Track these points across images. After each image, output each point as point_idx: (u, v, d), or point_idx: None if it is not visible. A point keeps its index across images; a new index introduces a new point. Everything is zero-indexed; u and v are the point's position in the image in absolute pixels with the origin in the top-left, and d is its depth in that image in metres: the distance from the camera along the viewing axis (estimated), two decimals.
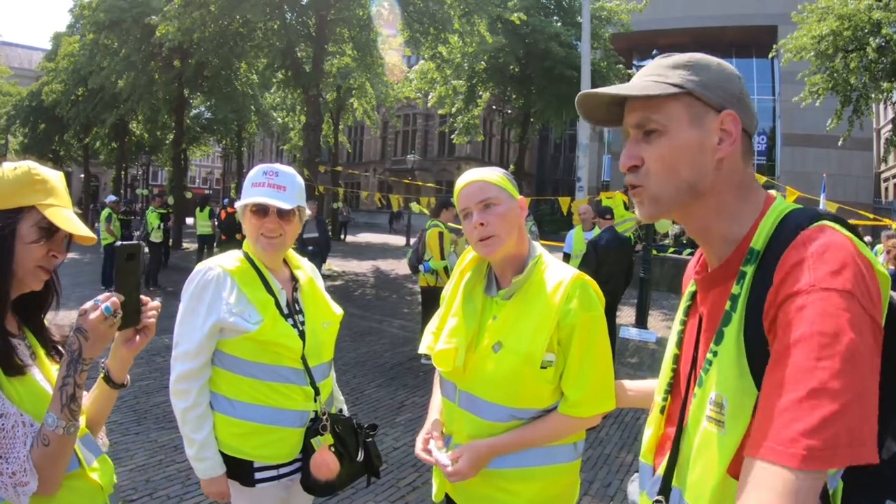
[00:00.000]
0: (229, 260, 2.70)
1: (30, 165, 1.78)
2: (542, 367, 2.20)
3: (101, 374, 1.94)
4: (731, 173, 1.40)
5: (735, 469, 1.20)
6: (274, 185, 2.65)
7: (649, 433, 1.61)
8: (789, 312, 1.14)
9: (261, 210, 2.65)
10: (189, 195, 29.18)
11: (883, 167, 50.22)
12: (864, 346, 1.06)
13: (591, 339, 2.22)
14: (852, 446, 1.00)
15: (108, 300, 1.70)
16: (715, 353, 1.34)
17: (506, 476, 2.29)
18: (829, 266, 1.14)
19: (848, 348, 1.04)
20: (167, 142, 35.83)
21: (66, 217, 1.78)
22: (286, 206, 2.63)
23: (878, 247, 12.59)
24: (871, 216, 11.13)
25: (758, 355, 1.23)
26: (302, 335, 2.68)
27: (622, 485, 5.67)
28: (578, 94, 1.51)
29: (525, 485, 2.30)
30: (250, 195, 2.64)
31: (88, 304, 1.70)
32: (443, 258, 9.19)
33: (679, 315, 1.66)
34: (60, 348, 1.93)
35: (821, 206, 13.33)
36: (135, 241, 1.90)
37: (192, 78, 26.21)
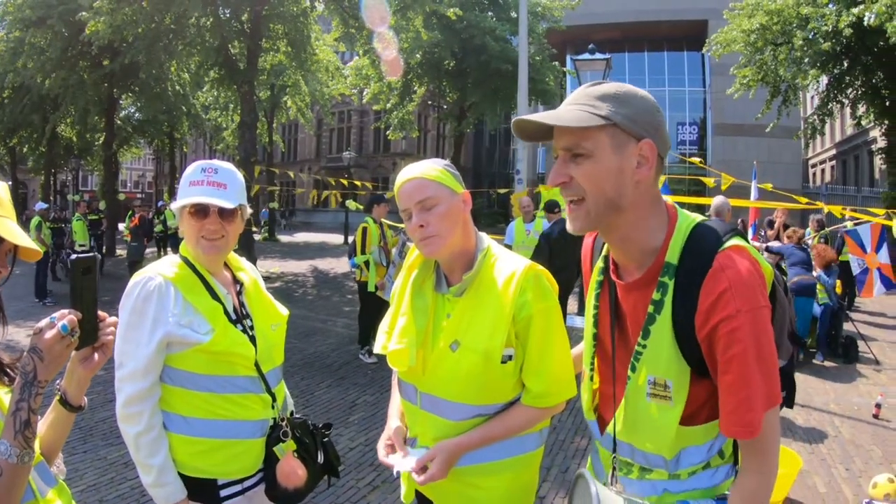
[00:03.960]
0: (168, 267, 2.50)
1: None
2: (502, 363, 2.18)
3: (57, 397, 1.81)
4: (647, 190, 1.69)
5: (683, 421, 1.71)
6: (214, 182, 2.47)
7: (585, 397, 2.05)
8: (727, 332, 1.56)
9: (201, 210, 2.45)
10: (122, 197, 28.44)
11: (811, 154, 51.75)
12: (769, 336, 1.59)
13: (548, 328, 2.20)
14: (772, 403, 1.59)
15: (65, 318, 1.59)
16: (644, 346, 1.73)
17: (475, 471, 2.27)
18: (745, 291, 1.56)
19: (767, 347, 1.57)
20: (97, 144, 34.78)
21: (10, 228, 1.64)
22: (228, 204, 2.46)
23: (808, 229, 12.93)
24: (804, 200, 11.43)
25: (688, 347, 1.65)
26: (253, 340, 2.54)
27: (579, 468, 5.67)
28: (514, 119, 1.74)
29: (495, 479, 2.29)
30: (188, 195, 2.45)
31: (43, 322, 1.58)
32: (364, 253, 9.47)
33: (591, 300, 2.01)
34: (10, 371, 1.78)
35: (753, 192, 13.67)
36: (91, 254, 1.77)
37: (123, 77, 25.54)
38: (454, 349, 2.21)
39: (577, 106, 1.66)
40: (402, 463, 2.25)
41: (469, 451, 2.22)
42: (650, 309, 1.70)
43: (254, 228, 21.31)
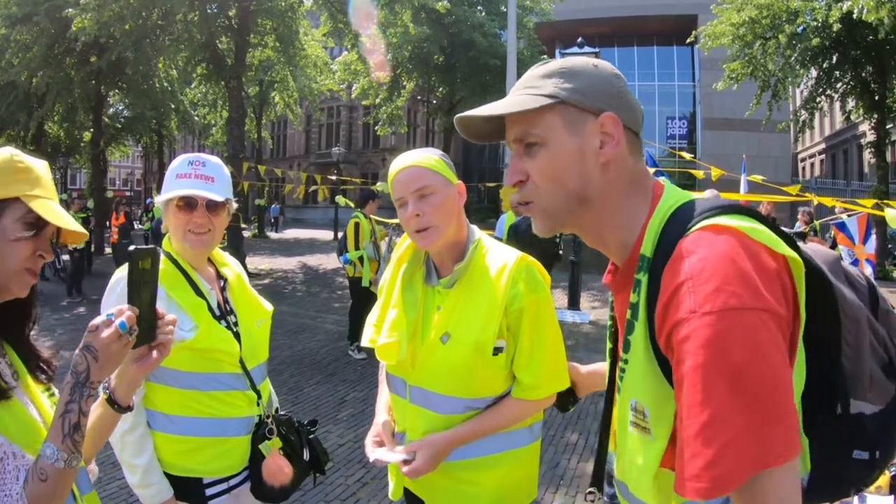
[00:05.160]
0: None
1: (11, 152, 1.56)
2: (493, 355, 2.15)
3: (104, 396, 1.69)
4: (620, 174, 1.39)
5: (667, 462, 1.26)
6: (202, 175, 2.43)
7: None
8: (677, 342, 1.14)
9: (189, 203, 2.41)
10: (110, 195, 28.30)
11: (800, 148, 52.03)
12: (757, 353, 1.07)
13: (539, 320, 2.18)
14: (756, 458, 1.03)
15: (123, 315, 1.50)
16: (626, 361, 1.38)
17: (465, 467, 2.24)
18: (708, 285, 1.12)
19: (734, 370, 1.06)
20: (84, 142, 34.62)
21: (55, 210, 1.56)
22: (217, 197, 2.41)
23: (797, 223, 12.97)
24: (795, 190, 11.44)
25: (665, 363, 1.24)
26: (237, 336, 2.50)
27: (570, 464, 5.78)
28: (456, 117, 1.52)
29: (486, 474, 2.26)
30: (175, 187, 2.41)
31: (99, 319, 1.49)
32: (357, 249, 9.45)
33: (609, 311, 1.66)
34: (47, 367, 1.71)
35: (742, 185, 13.69)
36: (151, 246, 1.66)
37: (110, 74, 25.39)
38: (444, 341, 2.19)
39: (521, 90, 1.44)
40: (388, 455, 2.21)
41: (458, 445, 2.20)
42: (628, 314, 1.36)
43: (243, 225, 21.25)
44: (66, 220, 1.56)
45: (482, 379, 2.20)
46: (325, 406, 7.47)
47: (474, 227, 2.38)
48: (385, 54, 25.84)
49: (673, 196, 1.39)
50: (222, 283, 2.64)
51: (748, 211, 1.26)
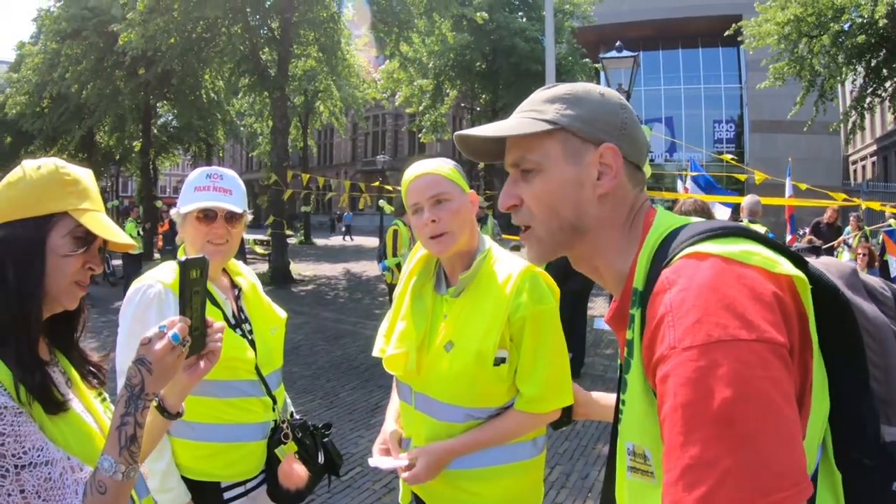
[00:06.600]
0: (167, 273, 2.49)
1: (56, 163, 1.55)
2: (494, 365, 2.15)
3: (154, 403, 1.66)
4: (617, 206, 1.35)
5: None
6: (220, 188, 2.49)
7: None
8: (659, 381, 1.06)
9: (209, 215, 2.46)
10: (159, 204, 28.84)
11: (851, 150, 50.86)
12: (746, 388, 0.96)
13: (543, 332, 2.18)
14: (787, 497, 0.92)
15: (176, 326, 1.49)
16: (623, 402, 1.27)
17: (467, 476, 2.25)
18: (689, 317, 1.03)
19: (719, 408, 0.95)
20: (135, 152, 35.37)
21: (103, 223, 1.56)
22: (237, 209, 2.49)
23: (847, 227, 12.69)
24: (842, 196, 11.17)
25: None
26: (252, 344, 2.56)
27: (599, 476, 5.65)
28: (455, 134, 1.48)
29: (487, 485, 2.26)
30: (195, 200, 2.46)
31: (152, 332, 1.49)
32: (395, 255, 9.54)
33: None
34: (97, 371, 1.72)
35: (787, 190, 13.40)
36: (201, 255, 1.63)
37: (158, 86, 25.94)
38: (448, 349, 2.20)
39: (523, 113, 1.39)
40: (386, 462, 2.26)
41: (458, 455, 2.21)
42: (625, 352, 1.26)
43: (288, 232, 21.48)
44: (115, 233, 1.57)
45: (484, 388, 2.20)
46: (359, 411, 7.54)
47: (485, 237, 2.40)
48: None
49: (663, 224, 1.30)
50: (236, 293, 2.70)
51: (741, 231, 1.17)
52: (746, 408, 0.94)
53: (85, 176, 1.60)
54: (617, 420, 1.36)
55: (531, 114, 1.37)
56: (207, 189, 2.49)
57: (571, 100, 1.35)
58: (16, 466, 1.33)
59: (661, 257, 1.21)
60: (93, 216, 1.54)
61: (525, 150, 1.36)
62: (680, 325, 1.03)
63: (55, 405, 1.48)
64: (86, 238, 1.53)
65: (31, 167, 1.53)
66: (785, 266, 1.08)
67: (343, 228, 46.03)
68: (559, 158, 1.33)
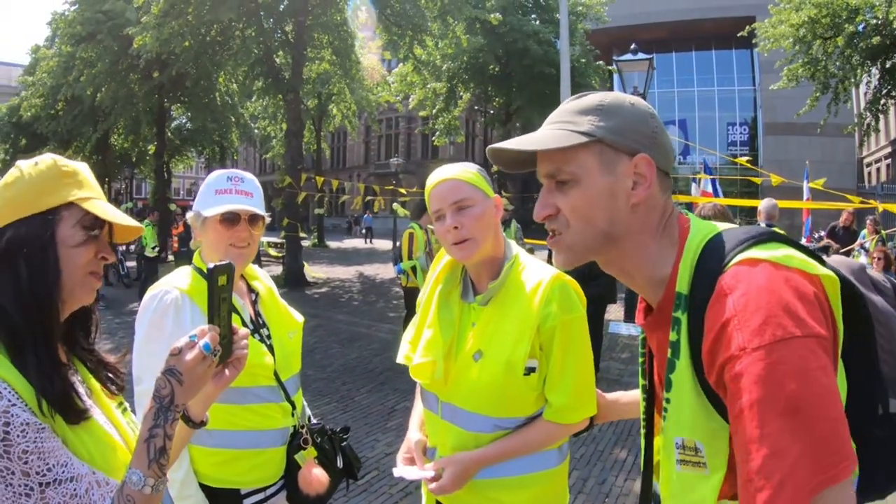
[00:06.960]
0: (183, 279, 2.48)
1: (53, 157, 1.53)
2: (525, 374, 2.13)
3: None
4: (649, 213, 1.40)
5: (724, 494, 1.28)
6: (241, 191, 2.48)
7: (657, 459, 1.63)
8: (730, 379, 1.15)
9: (232, 218, 2.43)
10: (173, 207, 28.98)
11: (865, 152, 50.56)
12: (807, 380, 1.08)
13: (572, 341, 2.15)
14: (814, 482, 1.04)
15: (206, 336, 1.46)
16: (668, 401, 1.36)
17: (494, 486, 2.22)
18: (753, 321, 1.13)
19: (788, 401, 1.07)
20: (149, 154, 35.57)
21: (107, 209, 1.53)
22: (260, 211, 2.47)
23: (863, 231, 12.61)
24: (858, 199, 11.12)
25: (714, 397, 1.25)
26: (271, 349, 2.54)
27: (617, 481, 5.66)
28: (488, 148, 1.50)
29: (514, 494, 2.23)
30: (217, 203, 2.43)
31: (182, 342, 1.45)
32: (410, 258, 9.58)
33: (640, 347, 1.70)
34: (115, 375, 1.69)
35: (805, 193, 13.35)
36: (227, 261, 1.59)
37: (172, 89, 26.06)
38: (477, 359, 2.17)
39: (555, 125, 1.43)
40: (411, 472, 2.24)
41: (486, 465, 2.18)
42: (669, 353, 1.35)
43: (302, 234, 21.52)
44: (120, 217, 1.55)
45: (513, 398, 2.18)
46: (374, 415, 7.51)
47: (512, 243, 2.37)
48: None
49: (701, 230, 1.39)
50: (254, 297, 2.68)
51: (777, 236, 1.30)
52: (809, 397, 1.07)
53: (81, 167, 1.59)
54: (651, 415, 1.57)
55: (566, 125, 1.40)
56: (229, 192, 2.47)
57: (604, 111, 1.39)
58: (40, 484, 1.31)
59: (706, 263, 1.31)
60: (97, 203, 1.53)
61: (561, 161, 1.39)
62: (747, 327, 1.13)
63: (77, 413, 1.44)
64: (93, 225, 1.52)
65: (29, 165, 1.52)
66: (818, 267, 1.22)
67: (363, 231, 46.37)
68: (594, 169, 1.37)
